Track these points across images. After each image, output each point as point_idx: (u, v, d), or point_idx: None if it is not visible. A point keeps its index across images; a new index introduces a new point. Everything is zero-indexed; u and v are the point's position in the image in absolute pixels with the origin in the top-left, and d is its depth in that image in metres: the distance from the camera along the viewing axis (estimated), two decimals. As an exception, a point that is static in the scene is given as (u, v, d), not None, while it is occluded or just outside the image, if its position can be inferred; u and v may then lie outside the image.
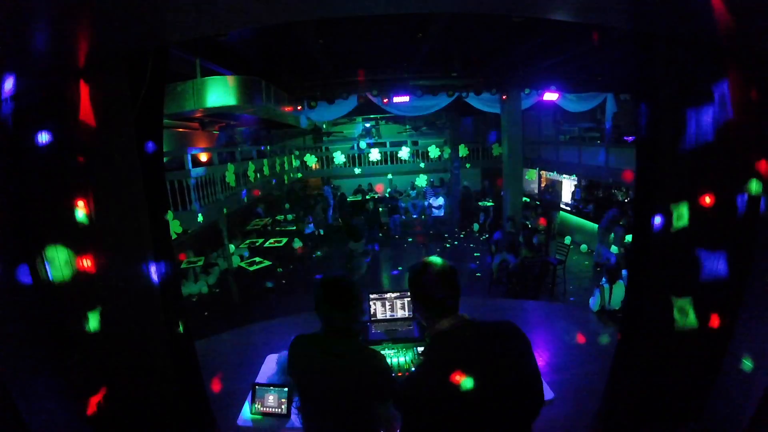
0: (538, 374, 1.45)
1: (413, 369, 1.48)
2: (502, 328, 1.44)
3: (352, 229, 7.87)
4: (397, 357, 2.68)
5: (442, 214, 12.57)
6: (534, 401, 1.44)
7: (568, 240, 10.26)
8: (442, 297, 1.43)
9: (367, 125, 16.87)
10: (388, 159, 15.03)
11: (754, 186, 2.14)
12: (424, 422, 1.36)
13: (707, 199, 2.17)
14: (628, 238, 7.77)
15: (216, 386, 3.34)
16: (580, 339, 4.59)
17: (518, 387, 1.39)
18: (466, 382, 1.32)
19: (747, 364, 2.17)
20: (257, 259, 8.31)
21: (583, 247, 9.97)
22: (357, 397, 1.58)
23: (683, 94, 2.16)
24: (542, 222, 9.92)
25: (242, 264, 8.16)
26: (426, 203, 12.89)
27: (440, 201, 12.49)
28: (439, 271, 1.45)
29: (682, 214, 2.22)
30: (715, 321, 2.30)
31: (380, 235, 11.95)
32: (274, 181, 11.66)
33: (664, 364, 2.39)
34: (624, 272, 5.38)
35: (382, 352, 2.73)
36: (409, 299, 3.26)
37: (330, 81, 9.00)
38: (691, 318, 2.28)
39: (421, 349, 2.68)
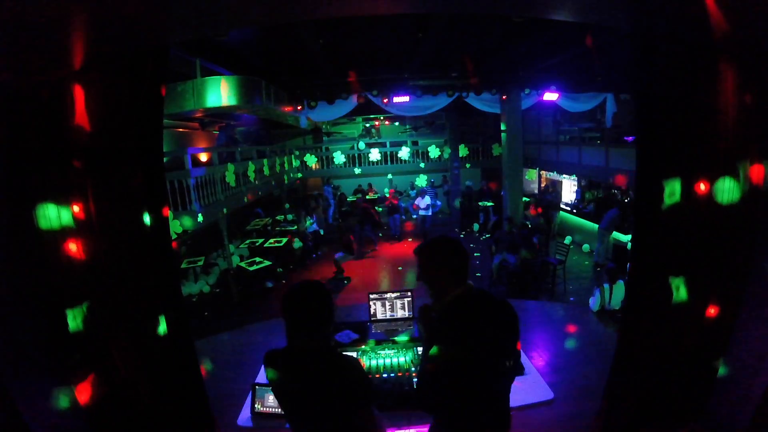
0: (518, 346, 1.70)
1: (439, 323, 1.61)
2: (501, 302, 1.65)
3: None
4: (397, 357, 2.68)
5: (430, 213, 12.07)
6: (515, 368, 1.65)
7: (568, 240, 10.26)
8: (457, 265, 1.61)
9: (367, 125, 16.87)
10: (388, 159, 15.03)
11: (753, 185, 2.14)
12: (441, 377, 1.53)
13: (703, 188, 2.18)
14: (628, 237, 7.79)
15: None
16: (580, 339, 4.59)
17: (508, 353, 1.61)
18: (476, 342, 1.52)
19: (722, 370, 2.23)
20: (257, 259, 8.31)
21: (585, 246, 9.97)
22: (334, 406, 1.56)
23: (683, 94, 2.16)
24: (533, 212, 9.94)
25: (242, 264, 8.16)
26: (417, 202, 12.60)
27: (427, 201, 12.01)
28: (452, 243, 1.64)
29: (681, 211, 2.23)
30: (715, 320, 2.30)
31: (380, 235, 11.95)
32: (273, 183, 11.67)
33: (664, 364, 2.39)
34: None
35: (382, 352, 2.74)
36: (409, 299, 3.26)
37: (330, 81, 9.00)
38: (686, 298, 2.29)
39: (421, 349, 2.68)
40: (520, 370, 2.45)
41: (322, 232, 12.01)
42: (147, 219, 2.22)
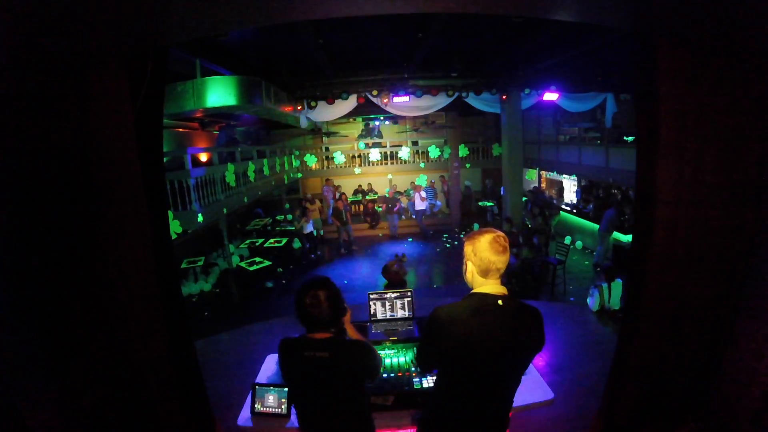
0: (532, 357, 1.71)
1: (449, 306, 1.63)
2: (528, 310, 1.64)
3: None
4: (397, 357, 2.68)
5: (424, 208, 12.78)
6: (521, 374, 1.69)
7: (568, 240, 10.26)
8: (488, 264, 1.58)
9: (377, 123, 16.72)
10: (388, 159, 15.02)
11: (753, 186, 2.14)
12: (440, 357, 1.61)
13: (703, 187, 2.18)
14: (628, 237, 7.78)
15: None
16: (580, 339, 4.59)
17: (520, 360, 1.63)
18: (483, 342, 1.54)
19: (721, 370, 2.20)
20: (257, 259, 8.30)
21: (579, 243, 10.01)
22: (346, 384, 1.72)
23: (683, 94, 2.16)
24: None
25: (242, 264, 8.16)
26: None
27: (422, 194, 12.68)
28: (491, 240, 1.59)
29: (681, 210, 2.23)
30: (715, 320, 2.30)
31: (380, 235, 11.93)
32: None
33: (664, 364, 2.40)
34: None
35: (382, 352, 2.74)
36: (408, 299, 3.27)
37: (330, 81, 9.00)
38: (686, 298, 2.29)
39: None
40: None
41: (322, 233, 12.00)
42: (147, 219, 2.22)
